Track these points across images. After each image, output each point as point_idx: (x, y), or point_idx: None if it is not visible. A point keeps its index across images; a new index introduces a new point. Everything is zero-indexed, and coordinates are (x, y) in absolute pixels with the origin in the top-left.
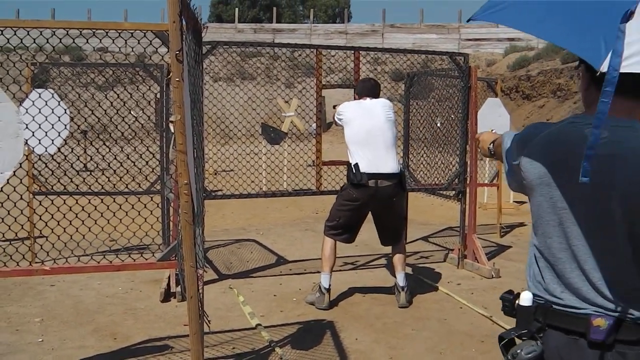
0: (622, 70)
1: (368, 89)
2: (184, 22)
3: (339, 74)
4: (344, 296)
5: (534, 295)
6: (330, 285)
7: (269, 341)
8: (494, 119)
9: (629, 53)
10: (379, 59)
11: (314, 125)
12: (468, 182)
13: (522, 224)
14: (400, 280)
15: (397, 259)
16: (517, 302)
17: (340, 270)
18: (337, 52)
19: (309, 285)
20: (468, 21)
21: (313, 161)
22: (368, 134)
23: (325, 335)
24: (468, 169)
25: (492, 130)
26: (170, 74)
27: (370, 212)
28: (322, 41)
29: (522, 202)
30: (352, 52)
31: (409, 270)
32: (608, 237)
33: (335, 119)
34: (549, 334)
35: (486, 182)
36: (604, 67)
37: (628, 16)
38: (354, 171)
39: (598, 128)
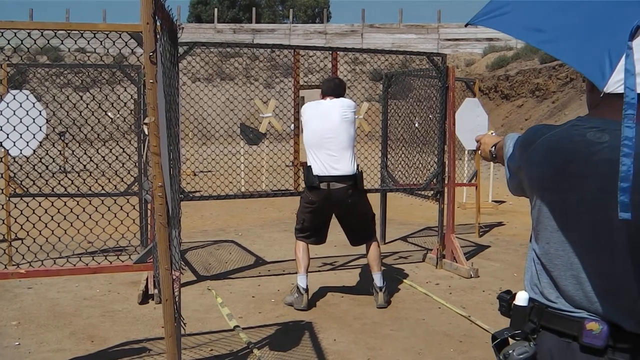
0: (614, 92)
1: (331, 89)
2: (158, 23)
3: (317, 74)
4: (323, 297)
5: (530, 298)
6: (307, 285)
7: (247, 343)
8: (472, 119)
9: (638, 70)
10: (357, 59)
11: (293, 125)
12: (446, 182)
13: (500, 224)
14: (378, 281)
15: (371, 258)
16: (513, 302)
17: (319, 271)
18: (316, 52)
19: (288, 286)
20: (466, 25)
21: (292, 161)
22: (321, 136)
23: (303, 336)
24: (446, 169)
25: (491, 133)
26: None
27: (333, 213)
28: (302, 41)
29: (501, 202)
30: (330, 52)
31: (387, 270)
32: (606, 246)
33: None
34: (543, 335)
35: (465, 182)
36: (608, 87)
37: (635, 32)
38: (306, 174)
39: (629, 157)
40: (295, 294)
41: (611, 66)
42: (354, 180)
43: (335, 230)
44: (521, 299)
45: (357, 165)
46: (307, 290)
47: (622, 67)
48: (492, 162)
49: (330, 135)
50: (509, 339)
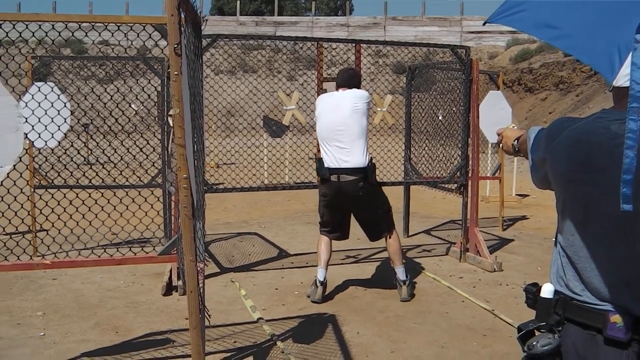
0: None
1: (345, 80)
2: (182, 16)
3: (340, 66)
4: (346, 289)
5: (556, 291)
6: (325, 279)
7: (270, 335)
8: (496, 112)
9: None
10: (380, 51)
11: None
12: (470, 175)
13: (524, 217)
14: (400, 274)
15: (392, 252)
16: (539, 294)
17: (342, 264)
18: (339, 44)
19: (311, 279)
20: (484, 24)
21: (315, 154)
22: (332, 129)
23: (327, 329)
24: (470, 162)
25: (512, 126)
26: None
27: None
28: (324, 34)
29: (525, 195)
30: (354, 44)
31: (410, 263)
32: (629, 238)
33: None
34: (567, 328)
35: (488, 175)
36: (617, 81)
37: None
38: (318, 166)
39: (632, 149)
40: (312, 286)
41: (620, 60)
42: (365, 172)
43: (358, 223)
44: (547, 291)
45: (370, 158)
46: (323, 283)
47: (630, 60)
48: (514, 156)
49: (341, 128)
50: (535, 330)
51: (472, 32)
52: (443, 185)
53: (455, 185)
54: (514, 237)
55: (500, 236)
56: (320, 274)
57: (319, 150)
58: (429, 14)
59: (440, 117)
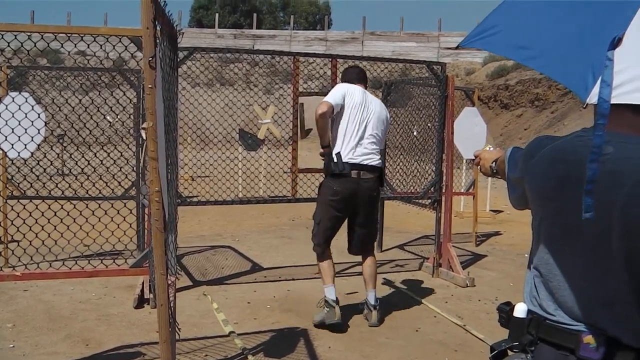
0: (612, 102)
1: (360, 76)
2: (158, 28)
3: (317, 81)
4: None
5: (529, 311)
6: (337, 297)
7: (242, 349)
8: (471, 128)
9: (619, 82)
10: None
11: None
12: (444, 190)
13: (497, 233)
14: (372, 299)
15: (367, 274)
16: (512, 313)
17: (314, 278)
18: (316, 59)
19: (284, 293)
20: (457, 48)
21: (289, 168)
22: (364, 125)
23: (298, 343)
24: (444, 178)
25: (488, 148)
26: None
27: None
28: (302, 48)
29: (499, 211)
30: (330, 60)
31: (384, 277)
32: (606, 257)
33: (334, 100)
34: (540, 348)
35: (463, 190)
36: (591, 99)
37: (616, 43)
38: (335, 161)
39: (595, 162)
40: (325, 309)
41: (594, 78)
42: (381, 173)
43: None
44: (520, 310)
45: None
46: (337, 301)
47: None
48: (492, 177)
49: (372, 126)
50: (507, 350)
51: (450, 49)
52: (417, 200)
53: (429, 200)
54: (487, 253)
55: (474, 252)
56: (330, 293)
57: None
58: (407, 28)
59: (415, 133)
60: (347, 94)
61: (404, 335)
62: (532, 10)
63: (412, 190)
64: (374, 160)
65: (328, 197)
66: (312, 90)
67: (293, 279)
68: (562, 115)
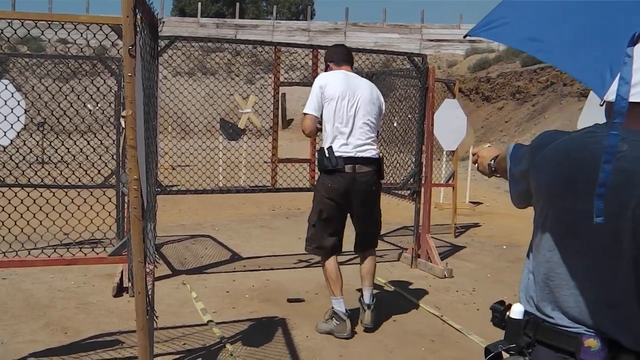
0: (631, 100)
1: (347, 56)
2: (138, 17)
3: (298, 71)
4: (297, 294)
5: (526, 312)
6: (347, 310)
7: (220, 337)
8: (451, 120)
9: (637, 80)
10: None
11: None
12: (423, 182)
13: (477, 225)
14: (367, 297)
15: (366, 271)
16: (507, 313)
17: (293, 268)
18: (297, 49)
19: (263, 283)
20: (465, 37)
21: (270, 158)
22: (353, 114)
23: (276, 333)
24: (423, 169)
25: (487, 145)
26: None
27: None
28: (285, 38)
29: (478, 203)
30: (311, 50)
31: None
32: (612, 258)
33: (314, 109)
34: (538, 350)
35: (442, 182)
36: (608, 96)
37: (636, 39)
38: (327, 156)
39: (609, 164)
40: (334, 322)
41: (612, 75)
42: (379, 165)
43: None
44: (516, 311)
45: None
46: (348, 314)
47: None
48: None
49: (362, 112)
50: (503, 352)
51: (432, 40)
52: (396, 191)
53: (409, 191)
54: (466, 244)
55: (452, 243)
56: (340, 306)
57: (274, 155)
58: (390, 20)
59: (395, 124)
60: (325, 87)
61: (381, 326)
62: (543, 2)
63: (392, 182)
64: (369, 151)
65: (323, 196)
66: (293, 81)
67: (272, 269)
68: (543, 108)
